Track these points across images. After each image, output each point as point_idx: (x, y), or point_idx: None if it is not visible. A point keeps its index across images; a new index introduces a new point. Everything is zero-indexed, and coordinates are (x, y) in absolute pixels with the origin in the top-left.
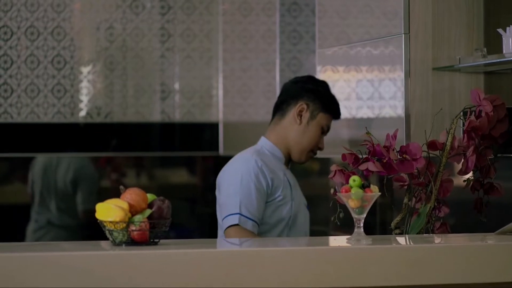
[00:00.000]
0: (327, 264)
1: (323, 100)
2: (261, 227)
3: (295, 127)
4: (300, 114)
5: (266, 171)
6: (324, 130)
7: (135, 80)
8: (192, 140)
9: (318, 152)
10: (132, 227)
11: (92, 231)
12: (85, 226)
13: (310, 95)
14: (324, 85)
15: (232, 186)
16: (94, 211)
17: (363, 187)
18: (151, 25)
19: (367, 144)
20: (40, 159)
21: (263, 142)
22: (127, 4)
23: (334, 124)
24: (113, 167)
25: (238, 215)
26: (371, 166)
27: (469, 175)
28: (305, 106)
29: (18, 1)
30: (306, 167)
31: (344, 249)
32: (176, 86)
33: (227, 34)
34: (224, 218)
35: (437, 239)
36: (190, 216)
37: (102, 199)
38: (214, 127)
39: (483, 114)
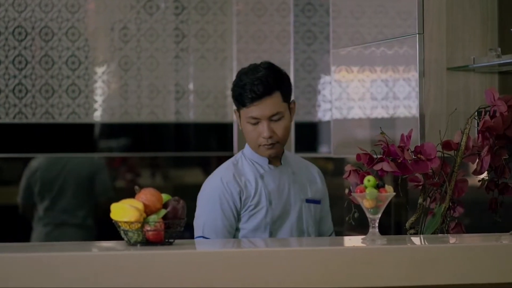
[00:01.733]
0: (342, 264)
1: (233, 96)
2: (241, 232)
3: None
4: (238, 121)
5: (232, 186)
6: (252, 122)
7: (150, 80)
8: (206, 140)
9: (278, 140)
10: (147, 227)
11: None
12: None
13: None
14: (236, 77)
15: (199, 207)
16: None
17: (378, 187)
18: (165, 26)
19: (381, 144)
20: (54, 159)
21: (245, 149)
22: (141, 4)
23: (349, 124)
24: (128, 167)
25: (201, 238)
26: (386, 166)
27: (484, 175)
28: (236, 112)
29: (33, 1)
30: (320, 167)
31: (359, 249)
32: (191, 86)
33: (241, 34)
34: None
35: (452, 239)
36: None
37: (117, 199)
38: (228, 127)
39: (497, 114)
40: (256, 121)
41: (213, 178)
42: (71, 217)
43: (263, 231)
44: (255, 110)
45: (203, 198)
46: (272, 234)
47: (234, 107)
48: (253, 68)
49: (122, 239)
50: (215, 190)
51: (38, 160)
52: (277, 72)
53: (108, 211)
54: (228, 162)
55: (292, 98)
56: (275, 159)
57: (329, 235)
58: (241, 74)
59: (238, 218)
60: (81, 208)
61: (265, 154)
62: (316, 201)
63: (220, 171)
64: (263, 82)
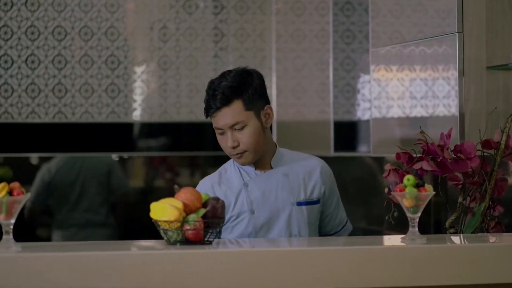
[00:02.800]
0: (382, 264)
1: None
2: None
3: None
4: None
5: (213, 190)
6: (219, 133)
7: (189, 79)
8: None
9: (245, 149)
10: (187, 227)
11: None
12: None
13: None
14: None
15: None
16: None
17: (417, 186)
18: (204, 25)
19: (421, 143)
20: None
21: None
22: (181, 4)
23: (389, 123)
24: (167, 166)
25: None
26: (426, 165)
27: None
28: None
29: (72, 1)
30: (359, 166)
31: (398, 249)
32: None
33: (280, 33)
34: None
35: (492, 238)
36: None
37: (156, 198)
38: None
39: None
40: (222, 131)
41: (198, 186)
42: (95, 215)
43: (250, 236)
44: (217, 120)
45: None
46: (266, 236)
47: None
48: (220, 77)
49: (143, 236)
50: None
51: (55, 162)
52: (241, 81)
53: (126, 208)
54: (216, 171)
55: (268, 105)
56: (262, 164)
57: (336, 233)
58: (210, 83)
59: None
60: (102, 207)
61: (240, 162)
62: (312, 202)
63: (204, 180)
64: (220, 93)
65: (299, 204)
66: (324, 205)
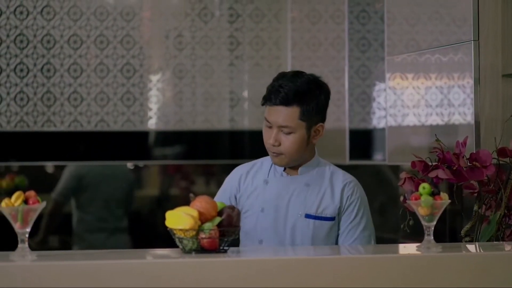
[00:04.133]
0: (397, 272)
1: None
2: None
3: None
4: None
5: (236, 173)
6: (267, 125)
7: (204, 88)
8: (261, 147)
9: (283, 152)
10: (202, 235)
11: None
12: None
13: None
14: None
15: None
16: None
17: (433, 194)
18: (220, 33)
19: (436, 151)
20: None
21: None
22: (196, 12)
23: (404, 131)
24: (183, 175)
25: None
26: (441, 173)
27: None
28: None
29: (88, 10)
30: (375, 174)
31: (414, 257)
32: (245, 94)
33: (296, 41)
34: None
35: (508, 246)
36: None
37: (171, 207)
38: None
39: None
40: (270, 125)
41: (231, 173)
42: (110, 223)
43: (253, 237)
44: (270, 114)
45: None
46: (262, 244)
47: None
48: (292, 75)
49: (158, 245)
50: (227, 179)
51: (85, 168)
52: (308, 89)
53: (141, 216)
54: (253, 161)
55: (321, 123)
56: (292, 168)
57: None
58: (280, 75)
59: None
60: (119, 214)
61: (272, 161)
62: (324, 218)
63: (237, 168)
64: (284, 92)
65: (308, 216)
66: (340, 220)
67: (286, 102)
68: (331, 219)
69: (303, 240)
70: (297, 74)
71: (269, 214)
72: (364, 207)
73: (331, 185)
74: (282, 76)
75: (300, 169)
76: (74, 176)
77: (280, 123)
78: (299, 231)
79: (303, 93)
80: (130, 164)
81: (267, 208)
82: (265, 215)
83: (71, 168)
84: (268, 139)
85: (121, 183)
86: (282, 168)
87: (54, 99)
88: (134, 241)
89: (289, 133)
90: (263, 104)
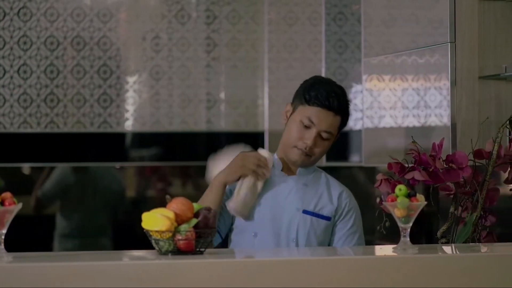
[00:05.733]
0: (373, 274)
1: (303, 91)
2: (234, 231)
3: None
4: (286, 115)
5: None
6: (305, 123)
7: (181, 89)
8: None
9: (313, 154)
10: (178, 237)
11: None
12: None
13: (296, 93)
14: (313, 78)
15: None
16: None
17: (409, 196)
18: (196, 35)
19: (413, 153)
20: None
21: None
22: (173, 14)
23: (381, 133)
24: (159, 176)
25: None
26: (417, 175)
27: None
28: (290, 106)
29: (65, 11)
30: (351, 176)
31: (390, 259)
32: (222, 95)
33: (273, 43)
34: None
35: (484, 248)
36: None
37: (148, 208)
38: (259, 136)
39: None
40: (309, 125)
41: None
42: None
43: (249, 231)
44: (316, 115)
45: None
46: (257, 237)
47: (291, 102)
48: (334, 84)
49: (135, 246)
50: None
51: (66, 169)
52: (346, 102)
53: (118, 218)
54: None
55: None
56: (290, 169)
57: None
58: (323, 78)
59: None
60: (96, 216)
61: (294, 157)
62: (321, 216)
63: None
64: (339, 98)
65: (305, 212)
66: (335, 226)
67: (338, 110)
68: (328, 218)
69: (298, 235)
70: (338, 85)
71: (266, 206)
72: (359, 217)
73: (328, 189)
74: (327, 82)
75: (299, 169)
76: (58, 182)
77: (325, 128)
78: (295, 225)
79: (347, 105)
80: (106, 166)
81: (264, 200)
82: (262, 208)
83: (57, 170)
84: (307, 139)
85: (100, 185)
86: (281, 167)
87: (30, 101)
88: (111, 242)
89: (326, 139)
90: (304, 103)
